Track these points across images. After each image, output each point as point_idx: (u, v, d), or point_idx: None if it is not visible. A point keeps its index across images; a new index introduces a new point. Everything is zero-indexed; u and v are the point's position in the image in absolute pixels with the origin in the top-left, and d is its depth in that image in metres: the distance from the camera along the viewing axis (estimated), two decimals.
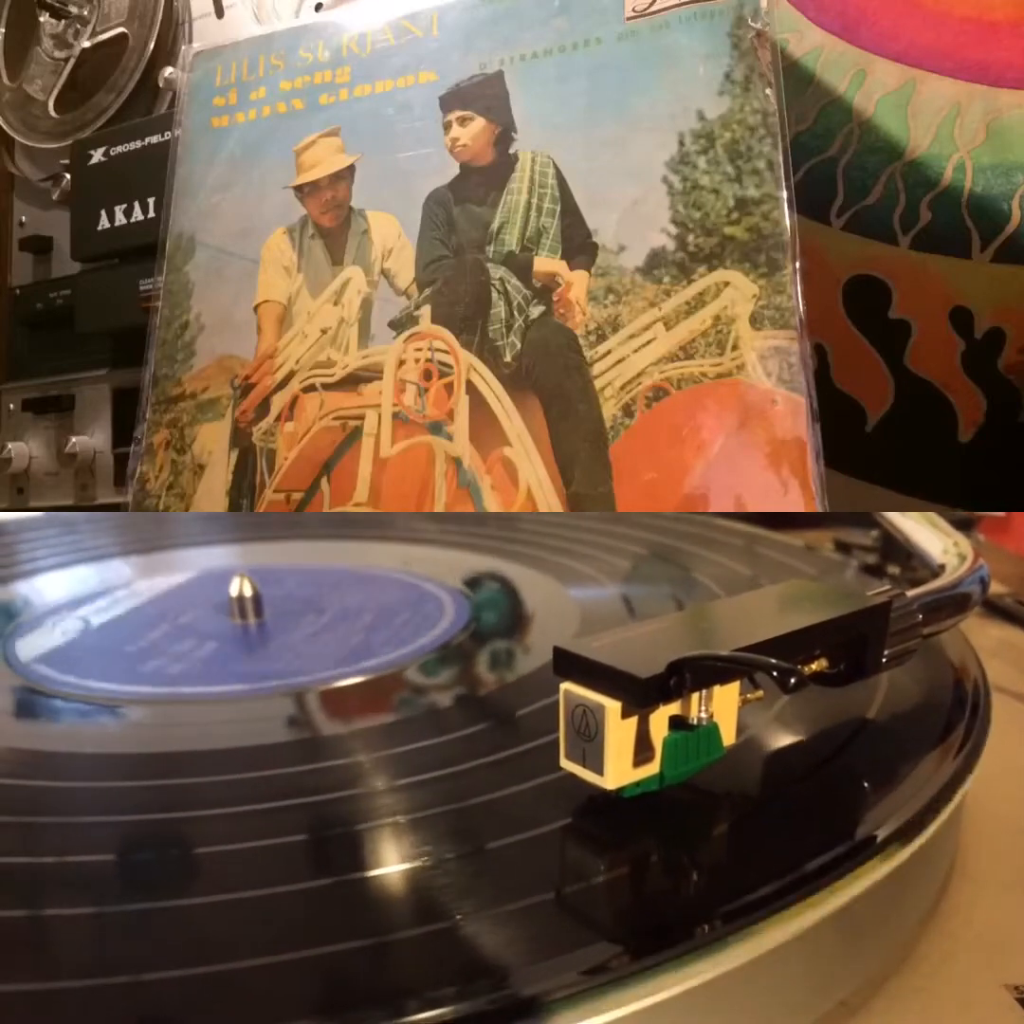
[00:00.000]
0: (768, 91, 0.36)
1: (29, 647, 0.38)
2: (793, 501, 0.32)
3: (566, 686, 0.21)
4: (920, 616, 0.26)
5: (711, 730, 0.22)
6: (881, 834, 0.21)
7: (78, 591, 0.46)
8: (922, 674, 0.29)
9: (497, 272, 0.39)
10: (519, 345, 0.37)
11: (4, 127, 0.61)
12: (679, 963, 0.17)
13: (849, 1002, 0.21)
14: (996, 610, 0.48)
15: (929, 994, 0.22)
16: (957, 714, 0.27)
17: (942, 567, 0.33)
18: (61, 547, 0.56)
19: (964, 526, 0.50)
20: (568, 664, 0.21)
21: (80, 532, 0.59)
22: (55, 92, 0.59)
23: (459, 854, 0.21)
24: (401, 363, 0.39)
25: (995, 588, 0.49)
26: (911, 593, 0.26)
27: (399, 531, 0.55)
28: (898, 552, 0.46)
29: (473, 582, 0.45)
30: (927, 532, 0.39)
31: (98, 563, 0.52)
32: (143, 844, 0.22)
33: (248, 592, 0.40)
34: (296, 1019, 0.16)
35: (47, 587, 0.48)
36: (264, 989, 0.17)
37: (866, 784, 0.23)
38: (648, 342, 0.36)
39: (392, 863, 0.21)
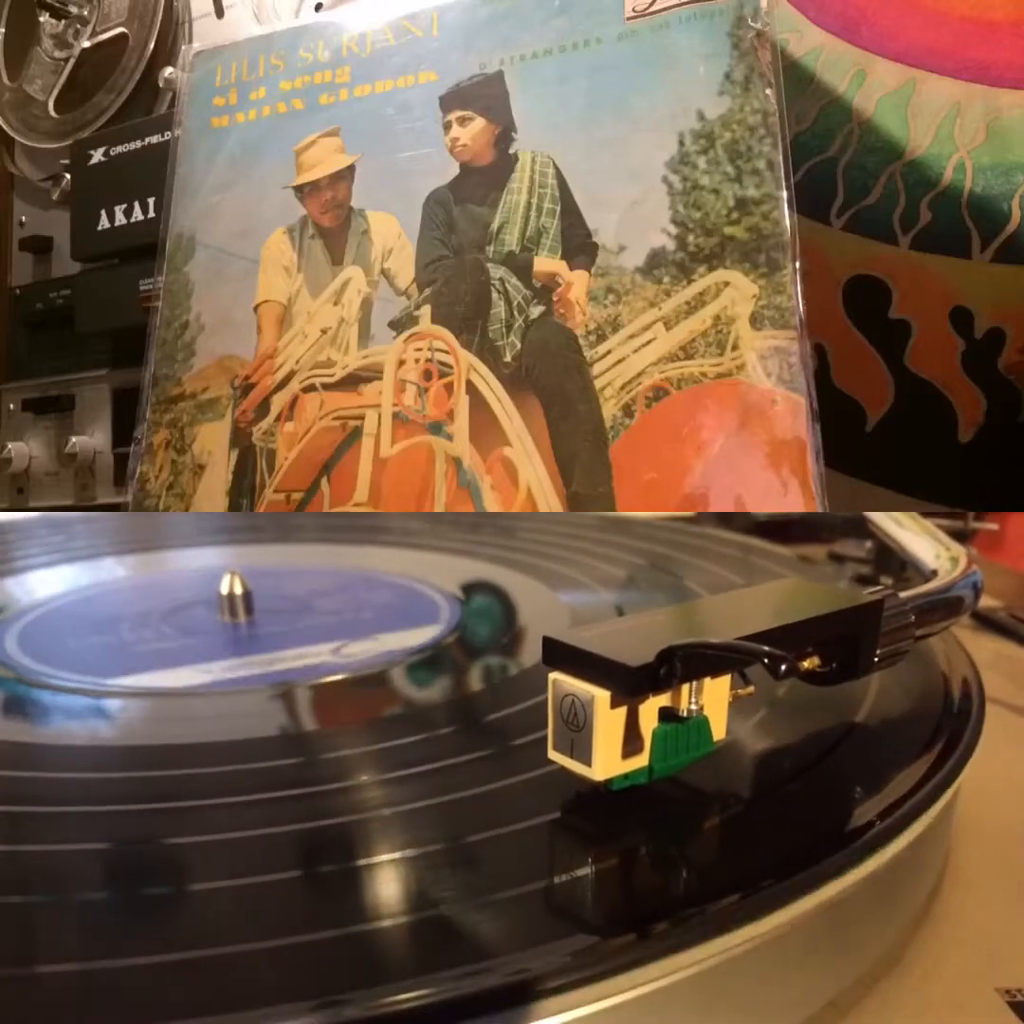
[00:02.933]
0: (768, 91, 0.36)
1: (19, 641, 0.38)
2: (793, 501, 0.32)
3: (555, 676, 0.21)
4: (912, 617, 0.26)
5: (701, 723, 0.21)
6: (869, 832, 0.21)
7: (69, 587, 0.46)
8: (917, 680, 0.29)
9: (497, 272, 0.39)
10: (519, 345, 0.37)
11: (4, 127, 0.61)
12: (663, 958, 0.17)
13: (839, 1003, 0.21)
14: (990, 623, 0.49)
15: (921, 996, 0.22)
16: (948, 717, 0.27)
17: (934, 572, 0.33)
18: (56, 546, 0.56)
19: (959, 538, 0.51)
20: (557, 653, 0.21)
21: (76, 531, 0.60)
22: (55, 92, 0.59)
23: (444, 847, 0.21)
24: (401, 363, 0.39)
25: (989, 602, 0.50)
26: (904, 594, 0.26)
27: (393, 535, 0.55)
28: (891, 561, 0.46)
29: (465, 585, 0.45)
30: (920, 538, 0.39)
31: (91, 561, 0.52)
32: (129, 836, 0.22)
33: (238, 590, 0.40)
34: (282, 1004, 0.16)
35: (38, 583, 0.48)
36: (251, 975, 0.17)
37: (856, 784, 0.23)
38: (648, 342, 0.36)
39: (380, 854, 0.21)
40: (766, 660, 0.19)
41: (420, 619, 0.40)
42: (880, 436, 0.42)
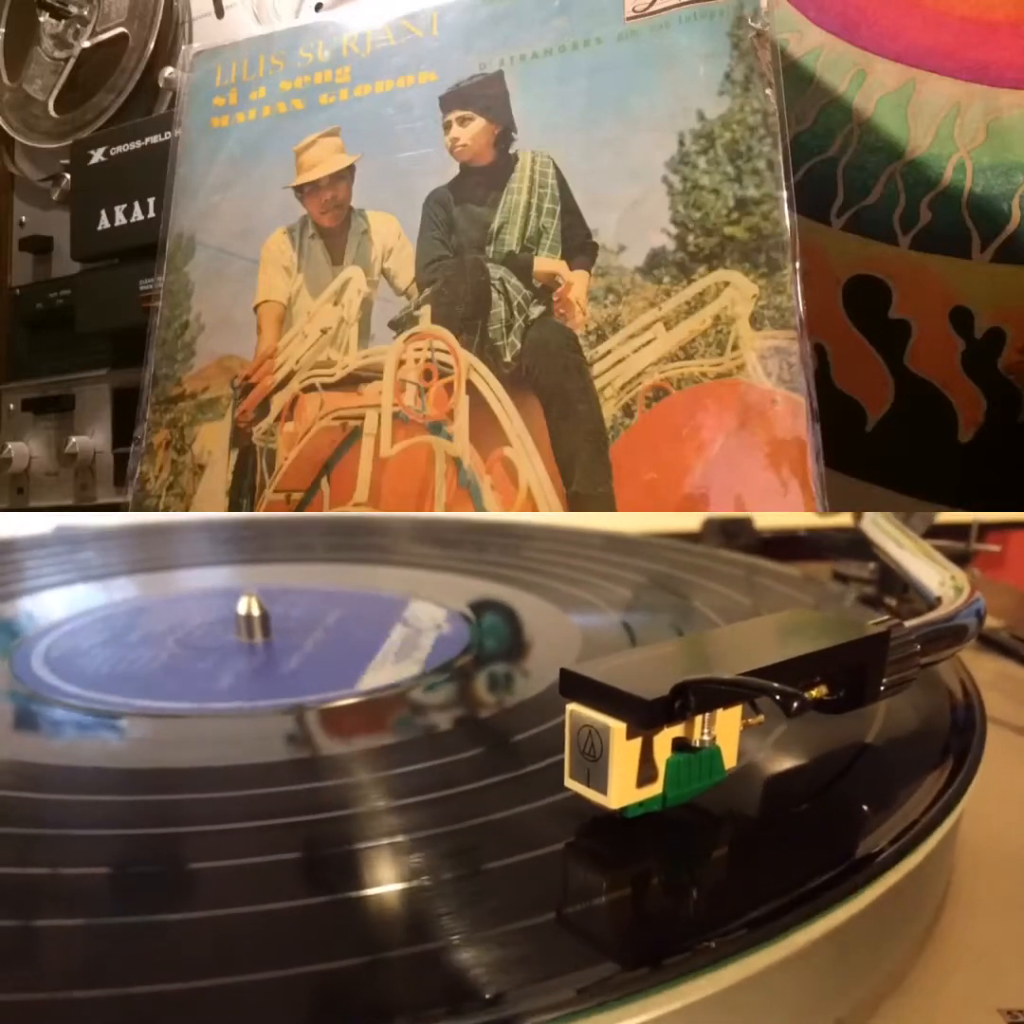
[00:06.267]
0: (768, 91, 0.36)
1: (40, 660, 0.38)
2: (793, 501, 0.32)
3: (572, 707, 0.22)
4: (918, 646, 0.26)
5: (713, 753, 0.22)
6: (876, 856, 0.21)
7: (89, 606, 0.47)
8: (919, 702, 0.30)
9: (497, 272, 0.39)
10: (519, 345, 0.37)
11: (4, 127, 0.61)
12: (678, 980, 0.17)
13: (845, 1021, 0.21)
14: (992, 643, 0.49)
15: (924, 1016, 0.22)
16: (953, 740, 0.27)
17: (939, 599, 0.33)
18: (73, 562, 0.56)
19: (961, 560, 0.51)
20: (574, 685, 0.22)
21: (92, 548, 0.60)
22: (55, 92, 0.59)
23: (462, 873, 0.21)
24: (401, 363, 0.39)
25: (991, 622, 0.50)
26: (909, 624, 0.27)
27: (402, 554, 0.55)
28: (895, 582, 0.46)
29: (475, 607, 0.45)
30: (924, 564, 0.39)
31: (109, 580, 0.53)
32: (142, 858, 0.22)
33: (256, 611, 0.40)
34: None
35: (59, 602, 0.48)
36: (258, 1004, 0.17)
37: (863, 808, 0.24)
38: (648, 342, 0.36)
39: (392, 882, 0.21)
40: (778, 697, 0.20)
41: (430, 640, 0.40)
42: (880, 436, 0.42)
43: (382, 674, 0.35)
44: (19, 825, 0.24)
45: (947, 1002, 0.22)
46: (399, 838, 0.22)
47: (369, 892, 0.20)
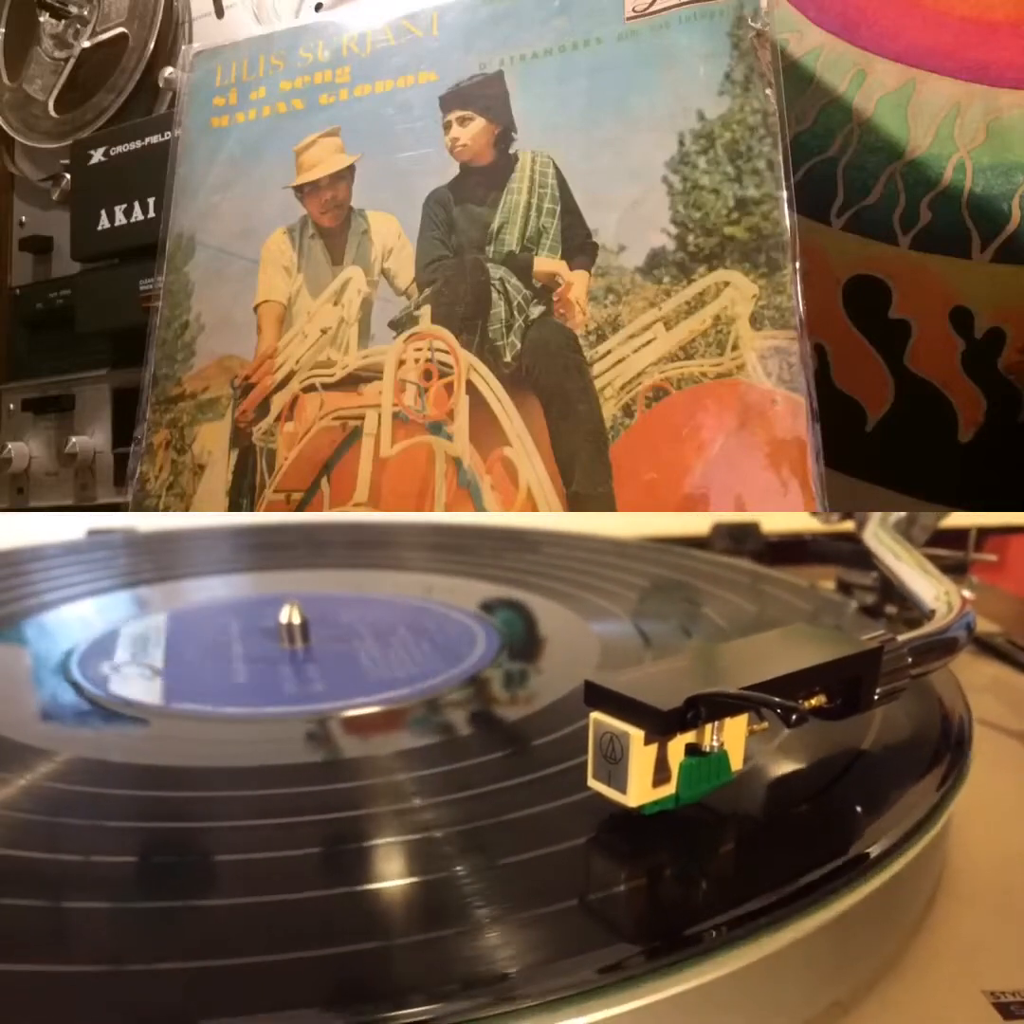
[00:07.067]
0: (768, 91, 0.36)
1: (88, 665, 0.39)
2: (793, 501, 0.32)
3: (595, 715, 0.24)
4: (909, 658, 0.28)
5: (722, 757, 0.24)
6: (872, 852, 0.23)
7: (135, 612, 0.47)
8: (913, 709, 0.31)
9: (497, 272, 0.39)
10: (519, 345, 0.38)
11: (4, 127, 0.61)
12: (691, 962, 0.19)
13: (842, 1002, 0.23)
14: (988, 649, 0.49)
15: (915, 998, 0.23)
16: (943, 746, 0.29)
17: (933, 612, 0.35)
18: (115, 569, 0.57)
19: (959, 569, 0.52)
20: (597, 696, 0.24)
21: (136, 554, 0.60)
22: (55, 92, 0.59)
23: (489, 864, 0.23)
24: (401, 363, 0.39)
25: (989, 627, 0.51)
26: (902, 638, 0.28)
27: (426, 561, 0.57)
28: (895, 591, 0.48)
29: (500, 613, 0.47)
30: (919, 577, 0.40)
31: (151, 585, 0.53)
32: (179, 849, 0.24)
33: (297, 619, 0.42)
34: (308, 1006, 0.17)
35: (105, 607, 0.49)
36: (286, 983, 0.18)
37: (859, 808, 0.26)
38: (648, 342, 0.36)
39: (433, 872, 0.23)
40: (778, 710, 0.23)
41: (460, 647, 0.40)
42: (880, 436, 0.42)
43: (417, 680, 0.36)
44: (53, 814, 0.26)
45: (936, 985, 0.24)
46: (433, 833, 0.24)
47: (419, 879, 0.23)
